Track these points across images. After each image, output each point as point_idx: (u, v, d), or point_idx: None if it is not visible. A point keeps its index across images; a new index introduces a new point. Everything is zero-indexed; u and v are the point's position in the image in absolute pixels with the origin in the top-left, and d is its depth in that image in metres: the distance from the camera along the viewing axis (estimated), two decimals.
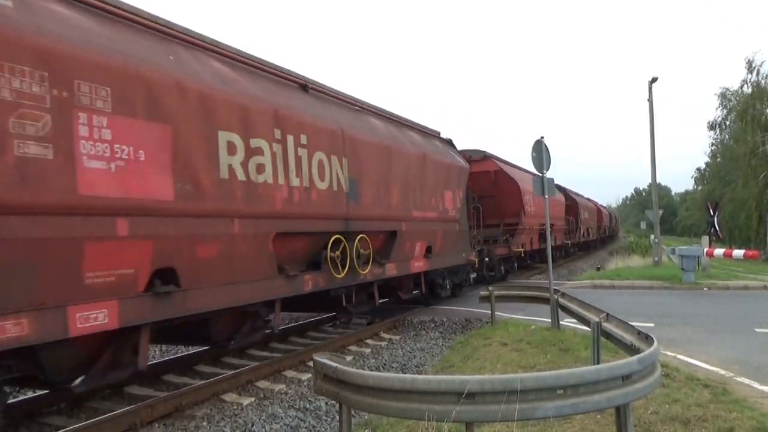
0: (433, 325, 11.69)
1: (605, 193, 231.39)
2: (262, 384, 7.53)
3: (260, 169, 7.13)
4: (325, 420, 6.58)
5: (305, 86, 8.83)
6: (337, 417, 5.25)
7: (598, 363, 6.02)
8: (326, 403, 6.88)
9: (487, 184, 17.75)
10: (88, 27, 5.39)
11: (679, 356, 7.69)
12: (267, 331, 8.64)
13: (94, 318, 5.17)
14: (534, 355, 7.73)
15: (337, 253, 8.75)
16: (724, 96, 42.23)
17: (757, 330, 9.48)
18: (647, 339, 4.88)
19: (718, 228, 24.45)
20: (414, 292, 12.70)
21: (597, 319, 6.47)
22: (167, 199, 5.86)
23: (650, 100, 21.91)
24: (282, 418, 6.42)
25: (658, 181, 24.97)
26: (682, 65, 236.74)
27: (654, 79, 21.86)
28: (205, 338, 7.76)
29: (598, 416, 5.16)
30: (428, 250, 11.99)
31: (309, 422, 6.45)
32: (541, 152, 10.00)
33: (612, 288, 16.50)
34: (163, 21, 6.59)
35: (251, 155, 7.00)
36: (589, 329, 6.86)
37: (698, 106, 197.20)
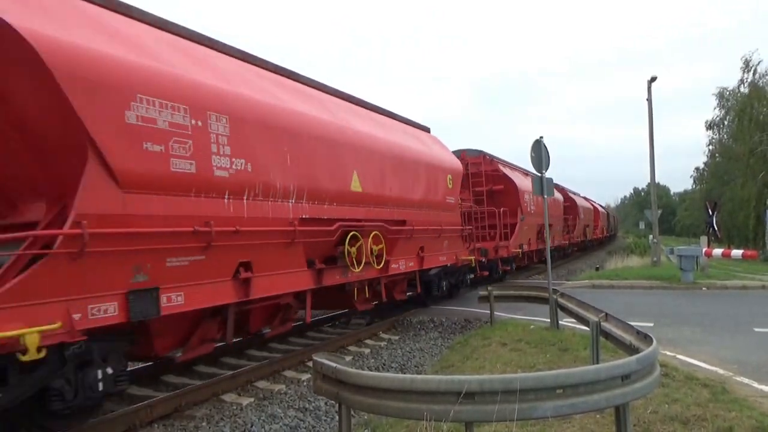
0: (432, 325, 11.70)
1: (604, 193, 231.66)
2: (262, 384, 7.54)
3: None
4: (325, 420, 6.58)
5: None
6: (337, 417, 5.25)
7: (597, 363, 6.04)
8: (325, 403, 6.88)
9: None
10: None
11: (678, 356, 7.70)
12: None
13: None
14: (533, 355, 7.74)
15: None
16: (721, 96, 42.22)
17: (755, 329, 9.49)
18: (646, 338, 4.88)
19: (716, 228, 24.47)
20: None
21: (596, 319, 6.48)
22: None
23: (649, 100, 21.90)
24: (281, 418, 6.42)
25: (656, 180, 25.00)
26: (682, 63, 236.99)
27: (653, 79, 21.85)
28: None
29: (598, 416, 5.17)
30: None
31: (308, 422, 6.45)
32: (540, 152, 10.02)
33: (611, 288, 16.52)
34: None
35: None
36: (588, 329, 6.87)
37: (698, 104, 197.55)
